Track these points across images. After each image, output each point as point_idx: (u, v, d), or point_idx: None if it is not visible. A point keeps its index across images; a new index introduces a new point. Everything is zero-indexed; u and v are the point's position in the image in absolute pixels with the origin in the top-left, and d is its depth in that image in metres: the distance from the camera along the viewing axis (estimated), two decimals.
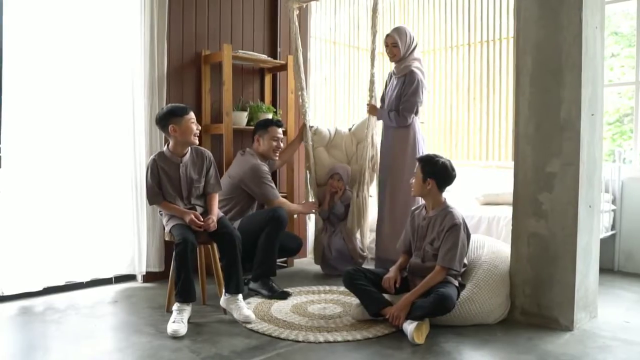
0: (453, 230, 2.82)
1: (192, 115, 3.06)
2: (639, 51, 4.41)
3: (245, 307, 2.97)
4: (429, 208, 2.97)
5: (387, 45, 3.78)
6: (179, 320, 2.76)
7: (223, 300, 3.04)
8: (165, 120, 3.01)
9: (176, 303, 2.85)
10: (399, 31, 3.76)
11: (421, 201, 3.14)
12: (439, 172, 2.91)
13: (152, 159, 3.10)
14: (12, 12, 3.20)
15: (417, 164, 2.97)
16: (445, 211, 2.90)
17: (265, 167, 3.69)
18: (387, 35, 3.77)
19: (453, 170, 2.96)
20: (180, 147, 3.08)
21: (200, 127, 3.14)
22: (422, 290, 2.78)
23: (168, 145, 3.11)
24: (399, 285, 2.93)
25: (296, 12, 3.88)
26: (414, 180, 2.98)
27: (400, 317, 2.73)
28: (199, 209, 3.12)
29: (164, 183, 3.07)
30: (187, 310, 2.85)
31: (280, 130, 3.84)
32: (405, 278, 3.01)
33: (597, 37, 2.94)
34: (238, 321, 2.92)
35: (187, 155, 3.12)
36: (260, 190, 3.61)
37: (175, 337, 2.68)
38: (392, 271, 2.97)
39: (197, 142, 3.11)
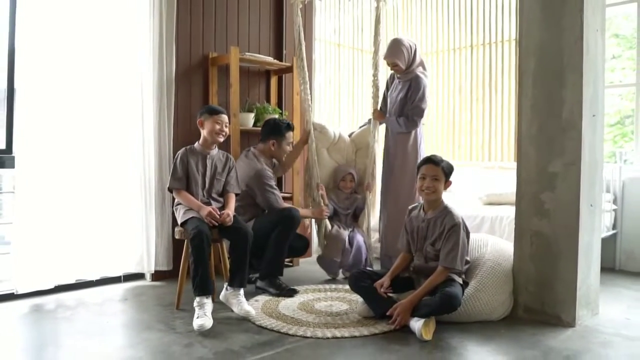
0: (454, 231, 2.85)
1: (222, 117, 3.28)
2: None
3: (245, 302, 3.00)
4: (428, 209, 2.99)
5: (387, 64, 3.80)
6: (202, 315, 2.78)
7: (224, 294, 3.09)
8: (200, 114, 3.32)
9: (196, 298, 2.86)
10: (394, 52, 3.72)
11: (420, 200, 3.18)
12: (451, 172, 2.98)
13: (183, 148, 3.31)
14: (24, 16, 3.27)
15: (435, 167, 2.91)
16: (445, 212, 2.92)
17: (269, 172, 3.65)
18: (385, 57, 3.78)
19: None
20: (207, 143, 3.30)
21: (226, 131, 3.32)
22: (426, 291, 2.82)
23: (199, 141, 3.32)
24: (387, 288, 2.93)
25: (300, 6, 3.89)
26: (428, 185, 2.89)
27: (402, 320, 2.76)
28: (215, 204, 3.22)
29: (191, 171, 3.23)
30: (208, 303, 2.86)
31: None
32: (409, 277, 3.06)
33: (598, 39, 2.99)
34: (238, 315, 2.97)
35: (215, 151, 3.34)
36: (263, 196, 3.57)
37: (201, 332, 2.70)
38: (385, 277, 2.98)
39: (219, 141, 3.30)
